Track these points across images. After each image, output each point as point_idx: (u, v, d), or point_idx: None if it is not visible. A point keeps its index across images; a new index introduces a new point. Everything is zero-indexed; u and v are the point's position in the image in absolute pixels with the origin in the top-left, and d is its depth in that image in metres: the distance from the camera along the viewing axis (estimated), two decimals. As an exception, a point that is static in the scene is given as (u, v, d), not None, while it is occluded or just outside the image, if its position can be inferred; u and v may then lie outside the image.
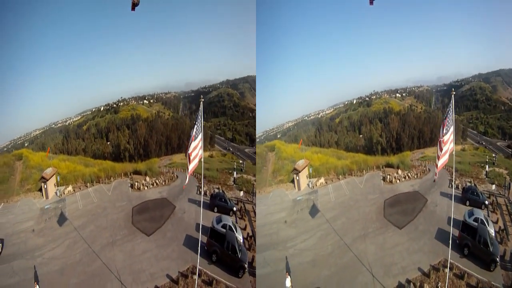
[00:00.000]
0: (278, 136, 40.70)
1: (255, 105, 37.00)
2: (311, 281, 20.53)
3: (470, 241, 21.85)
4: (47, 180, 30.40)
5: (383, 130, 39.55)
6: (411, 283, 20.03)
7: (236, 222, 25.86)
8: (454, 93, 17.46)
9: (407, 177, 33.10)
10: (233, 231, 23.42)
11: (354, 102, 43.23)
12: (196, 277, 19.39)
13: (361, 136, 40.28)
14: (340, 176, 34.12)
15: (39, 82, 38.99)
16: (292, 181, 32.69)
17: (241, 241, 23.28)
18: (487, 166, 32.48)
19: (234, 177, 32.14)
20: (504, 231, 23.60)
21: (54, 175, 31.47)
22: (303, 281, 20.49)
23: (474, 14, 37.84)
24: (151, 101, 46.62)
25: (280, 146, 37.35)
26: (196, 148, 17.07)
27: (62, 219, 26.89)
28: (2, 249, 23.14)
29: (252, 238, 24.24)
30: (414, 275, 20.48)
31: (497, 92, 40.75)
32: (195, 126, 17.01)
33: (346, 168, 35.02)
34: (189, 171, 17.04)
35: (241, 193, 29.49)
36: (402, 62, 41.54)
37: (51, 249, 23.12)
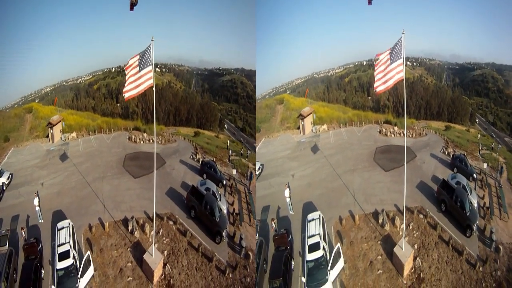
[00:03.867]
0: (288, 92, 45.95)
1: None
2: (306, 197, 27.18)
3: (447, 198, 24.56)
4: (54, 126, 37.28)
5: (390, 95, 42.79)
6: (385, 212, 24.56)
7: (224, 195, 27.63)
8: (404, 33, 19.55)
9: (401, 134, 37.07)
10: (216, 197, 25.40)
11: (364, 63, 46.38)
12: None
13: (369, 98, 44.09)
14: (341, 125, 40.75)
15: (52, 39, 44.93)
16: (298, 128, 39.64)
17: (224, 211, 25.22)
18: (481, 145, 34.64)
19: (229, 155, 34.88)
20: (489, 210, 25.39)
21: (60, 122, 38.23)
22: (300, 197, 26.97)
23: (498, 4, 40.07)
24: (163, 69, 51.27)
25: (289, 99, 43.80)
26: (144, 76, 19.10)
27: (64, 157, 33.67)
28: (11, 180, 29.75)
29: (238, 216, 25.78)
30: (390, 209, 25.11)
31: (509, 88, 42.72)
32: (140, 56, 19.08)
33: (347, 119, 41.32)
34: (133, 93, 19.09)
35: (234, 171, 31.48)
36: (416, 32, 43.59)
37: (52, 178, 29.88)
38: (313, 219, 22.84)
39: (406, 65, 46.42)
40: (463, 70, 46.01)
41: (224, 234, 23.34)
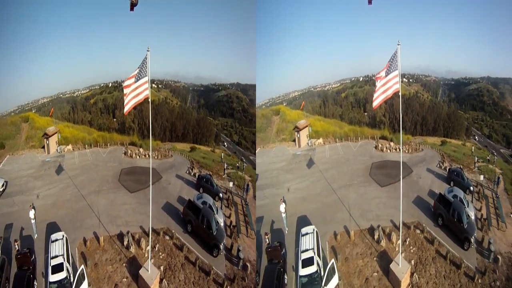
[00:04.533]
0: (284, 104, 46.67)
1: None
2: (300, 211, 27.19)
3: (444, 212, 24.65)
4: (50, 137, 37.49)
5: (386, 111, 43.53)
6: (381, 228, 24.63)
7: (221, 208, 27.87)
8: (400, 44, 20.02)
9: (397, 150, 37.11)
10: (212, 211, 25.62)
11: (361, 79, 47.22)
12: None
13: (365, 113, 44.71)
14: (337, 140, 41.25)
15: (50, 50, 45.40)
16: (294, 140, 40.12)
17: (221, 223, 25.31)
18: (476, 158, 35.12)
19: (224, 168, 35.03)
20: (487, 221, 25.59)
21: (56, 133, 38.45)
22: (294, 211, 27.03)
23: (491, 18, 41.28)
24: (159, 86, 51.88)
25: (285, 111, 44.49)
26: (140, 87, 20.11)
27: (59, 170, 33.77)
28: (5, 187, 29.86)
29: (236, 228, 25.97)
30: (386, 224, 25.09)
31: (504, 100, 43.74)
32: (139, 68, 20.13)
33: (343, 134, 42.02)
34: (130, 105, 20.14)
35: (231, 184, 31.70)
36: (412, 49, 44.63)
37: (47, 189, 29.91)
38: (307, 233, 22.83)
39: (402, 81, 47.58)
40: (458, 85, 46.98)
41: (221, 247, 23.33)
